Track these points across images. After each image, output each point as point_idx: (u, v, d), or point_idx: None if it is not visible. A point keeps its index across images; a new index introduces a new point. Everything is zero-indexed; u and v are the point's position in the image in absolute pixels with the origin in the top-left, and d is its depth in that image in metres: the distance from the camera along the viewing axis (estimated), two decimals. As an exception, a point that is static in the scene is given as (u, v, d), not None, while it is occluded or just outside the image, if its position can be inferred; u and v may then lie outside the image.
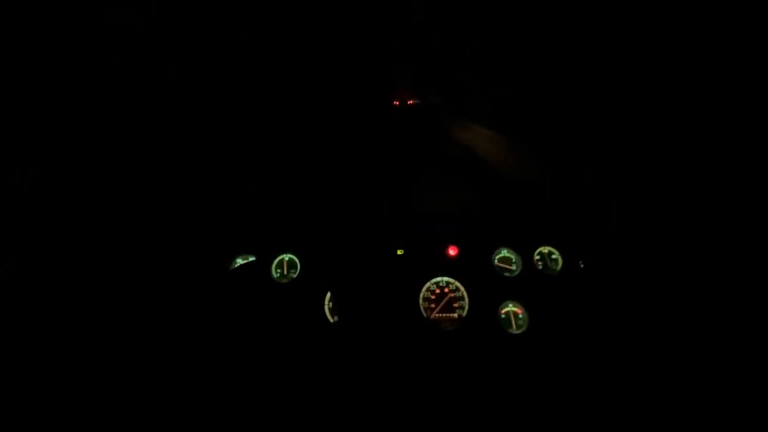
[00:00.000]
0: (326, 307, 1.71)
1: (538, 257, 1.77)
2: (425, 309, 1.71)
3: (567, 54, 1.69)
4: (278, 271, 1.80)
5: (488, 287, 1.72)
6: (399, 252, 1.80)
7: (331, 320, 1.69)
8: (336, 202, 1.89)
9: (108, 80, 1.65)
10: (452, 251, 1.79)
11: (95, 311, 1.60)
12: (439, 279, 1.75)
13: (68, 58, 1.57)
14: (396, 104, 1.91)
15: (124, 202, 1.77)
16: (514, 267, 1.77)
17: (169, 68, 1.70)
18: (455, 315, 1.70)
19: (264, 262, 1.81)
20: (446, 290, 1.73)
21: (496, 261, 1.78)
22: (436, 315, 1.70)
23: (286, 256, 1.82)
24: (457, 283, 1.74)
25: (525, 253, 1.78)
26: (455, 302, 1.72)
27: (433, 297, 1.73)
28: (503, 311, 1.68)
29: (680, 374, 1.39)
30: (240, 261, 1.81)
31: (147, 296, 1.66)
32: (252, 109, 1.87)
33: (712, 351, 1.40)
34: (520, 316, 1.67)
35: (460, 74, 1.84)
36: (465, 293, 1.72)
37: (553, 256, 1.77)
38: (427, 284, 1.74)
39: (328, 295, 1.72)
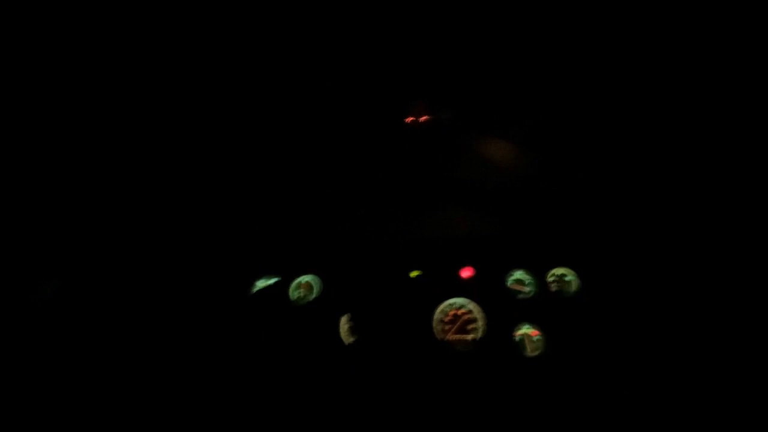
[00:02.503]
0: (343, 329, 1.75)
1: (552, 279, 1.78)
2: (440, 331, 1.73)
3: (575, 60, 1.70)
4: (297, 292, 1.86)
5: (502, 309, 1.74)
6: (413, 274, 1.84)
7: (348, 341, 1.73)
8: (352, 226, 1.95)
9: (108, 80, 1.69)
10: (466, 273, 1.82)
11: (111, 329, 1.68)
12: (453, 301, 1.77)
13: (69, 58, 1.62)
14: (409, 121, 1.94)
15: (128, 211, 1.84)
16: (527, 289, 1.78)
17: (169, 68, 1.72)
18: (469, 337, 1.71)
19: (284, 284, 1.88)
20: (460, 312, 1.75)
21: (509, 283, 1.80)
22: (451, 337, 1.72)
23: (305, 278, 1.88)
24: (472, 305, 1.76)
25: (539, 274, 1.79)
26: (469, 324, 1.73)
27: (447, 319, 1.75)
28: (518, 334, 1.69)
29: (699, 395, 1.36)
30: (261, 283, 1.88)
31: (167, 315, 1.74)
32: (257, 116, 1.90)
33: (733, 366, 1.38)
34: (535, 338, 1.67)
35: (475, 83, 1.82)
36: (479, 315, 1.74)
37: (567, 278, 1.77)
38: (442, 306, 1.77)
39: (345, 316, 1.77)
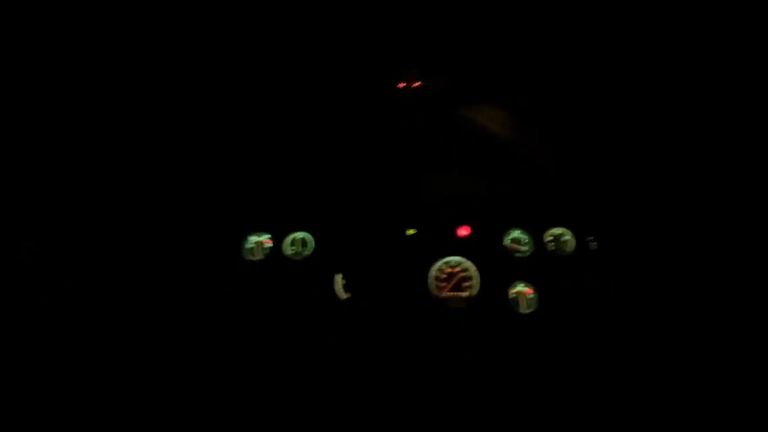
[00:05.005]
0: (338, 285, 1.75)
1: (549, 239, 1.77)
2: (436, 288, 1.74)
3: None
4: (292, 248, 1.84)
5: (499, 267, 1.74)
6: (410, 232, 1.81)
7: (343, 297, 1.73)
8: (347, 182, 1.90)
9: (108, 80, 1.67)
10: (463, 231, 1.81)
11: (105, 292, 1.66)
12: (449, 259, 1.77)
13: (68, 58, 1.60)
14: (401, 87, 1.87)
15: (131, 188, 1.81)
16: (525, 248, 1.78)
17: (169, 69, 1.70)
18: (464, 294, 1.72)
19: (277, 240, 1.85)
20: (456, 270, 1.75)
21: (507, 242, 1.79)
22: (446, 294, 1.73)
23: (300, 234, 1.85)
24: (468, 263, 1.75)
25: (536, 234, 1.78)
26: (465, 282, 1.74)
27: (443, 276, 1.75)
28: (513, 291, 1.70)
29: (690, 359, 1.40)
30: (254, 239, 1.86)
31: (159, 278, 1.72)
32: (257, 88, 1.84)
33: (722, 336, 1.41)
34: (530, 296, 1.69)
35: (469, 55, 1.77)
36: (475, 273, 1.74)
37: (564, 238, 1.76)
38: (438, 263, 1.76)
39: (340, 273, 1.76)
